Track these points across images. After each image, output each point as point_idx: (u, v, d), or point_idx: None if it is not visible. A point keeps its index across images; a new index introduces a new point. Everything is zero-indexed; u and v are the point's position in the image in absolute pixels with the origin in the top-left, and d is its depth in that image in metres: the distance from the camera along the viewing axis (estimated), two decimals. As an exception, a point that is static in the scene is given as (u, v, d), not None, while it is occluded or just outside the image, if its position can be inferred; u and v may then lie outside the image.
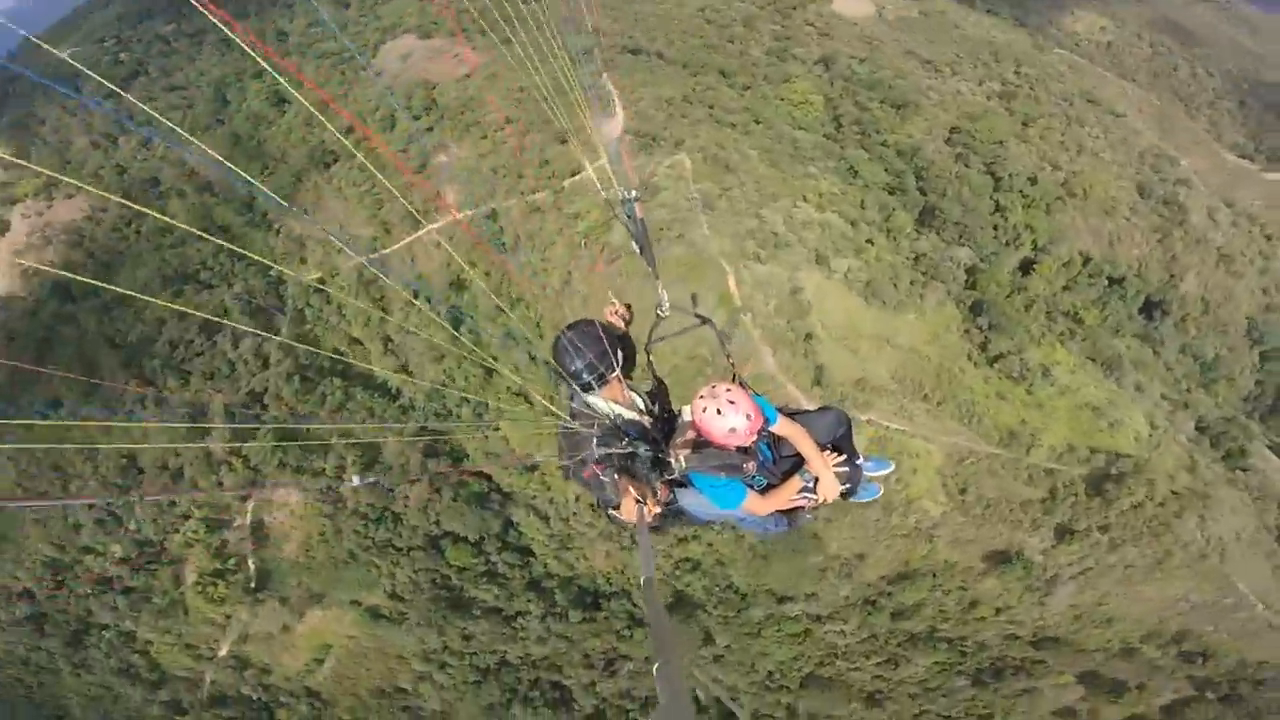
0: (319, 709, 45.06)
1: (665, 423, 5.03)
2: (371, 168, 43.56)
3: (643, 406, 5.00)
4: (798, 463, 5.07)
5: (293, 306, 53.12)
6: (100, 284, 33.56)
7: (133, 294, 48.02)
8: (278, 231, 55.29)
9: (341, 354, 51.86)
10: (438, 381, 48.84)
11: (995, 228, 54.24)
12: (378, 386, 50.70)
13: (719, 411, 4.34)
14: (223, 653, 45.28)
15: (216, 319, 51.21)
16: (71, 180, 55.48)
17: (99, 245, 53.63)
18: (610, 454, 4.40)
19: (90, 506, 46.13)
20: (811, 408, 5.48)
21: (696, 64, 58.99)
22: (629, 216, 5.33)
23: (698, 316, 6.08)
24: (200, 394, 49.21)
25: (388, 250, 53.39)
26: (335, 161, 53.46)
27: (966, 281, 50.33)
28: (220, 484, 47.45)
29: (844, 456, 5.11)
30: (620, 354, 4.54)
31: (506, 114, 52.28)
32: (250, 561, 45.94)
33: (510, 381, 45.44)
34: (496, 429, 45.25)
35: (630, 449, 4.43)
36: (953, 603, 42.54)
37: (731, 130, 54.08)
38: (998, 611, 42.17)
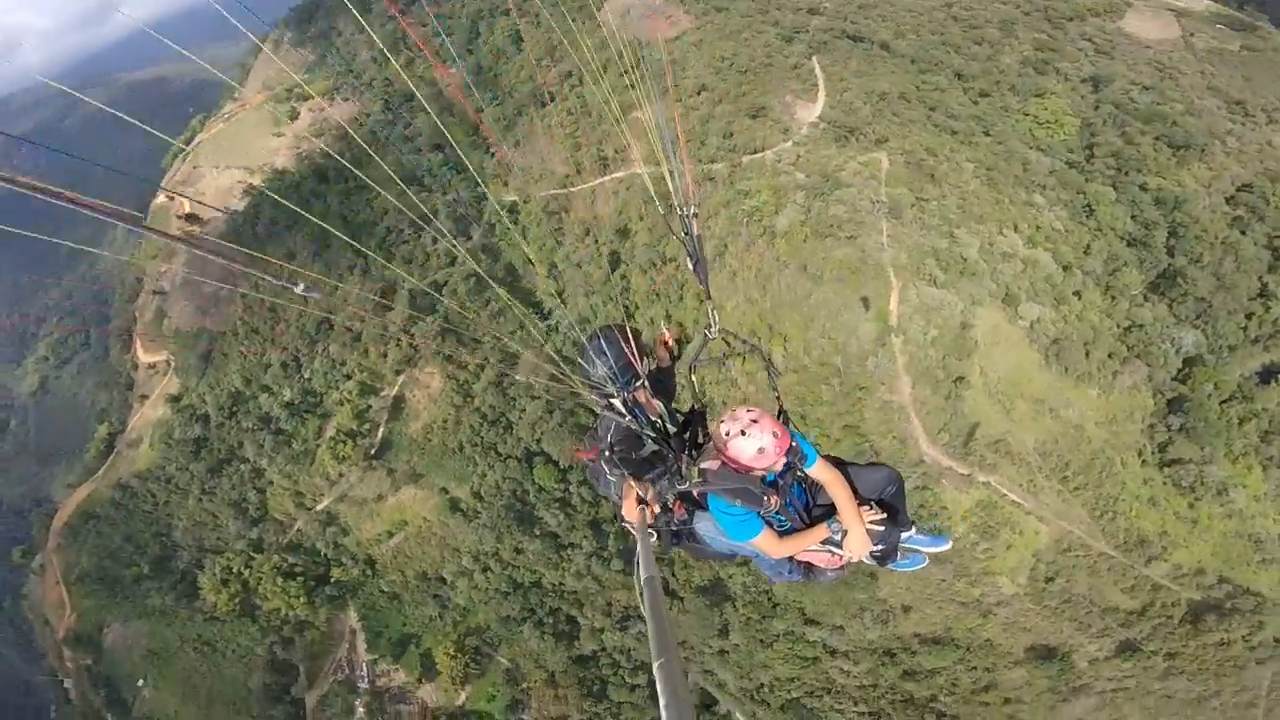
0: (368, 576, 51.04)
1: (692, 443, 4.85)
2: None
3: (668, 417, 4.92)
4: (830, 513, 4.71)
5: (486, 221, 59.92)
6: (352, 171, 40.48)
7: (371, 184, 57.60)
8: (492, 155, 61.90)
9: (513, 269, 57.67)
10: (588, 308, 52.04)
11: (1249, 316, 43.13)
12: (534, 304, 55.36)
13: (743, 433, 4.19)
14: (319, 507, 52.84)
15: (423, 220, 59.01)
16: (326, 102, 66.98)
17: (355, 143, 64.38)
18: (623, 445, 4.39)
19: (281, 364, 55.80)
20: (862, 464, 5.09)
21: (928, 61, 54.04)
22: (685, 233, 5.13)
23: (746, 343, 5.99)
24: (395, 275, 57.39)
25: (573, 189, 57.41)
26: (550, 102, 58.04)
27: (1179, 373, 41.22)
28: (385, 355, 55.29)
29: (883, 515, 4.75)
30: (643, 364, 4.49)
31: (704, 82, 52.75)
32: (380, 430, 52.93)
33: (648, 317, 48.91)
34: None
35: (643, 449, 4.41)
36: (968, 681, 40.95)
37: (950, 138, 49.07)
38: (1005, 702, 40.37)
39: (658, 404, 4.71)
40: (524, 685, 47.42)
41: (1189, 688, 37.65)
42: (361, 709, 47.56)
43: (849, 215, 44.98)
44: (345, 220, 60.73)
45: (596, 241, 55.35)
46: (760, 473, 4.31)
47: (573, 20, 59.40)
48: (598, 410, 4.67)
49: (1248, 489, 38.88)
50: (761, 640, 44.22)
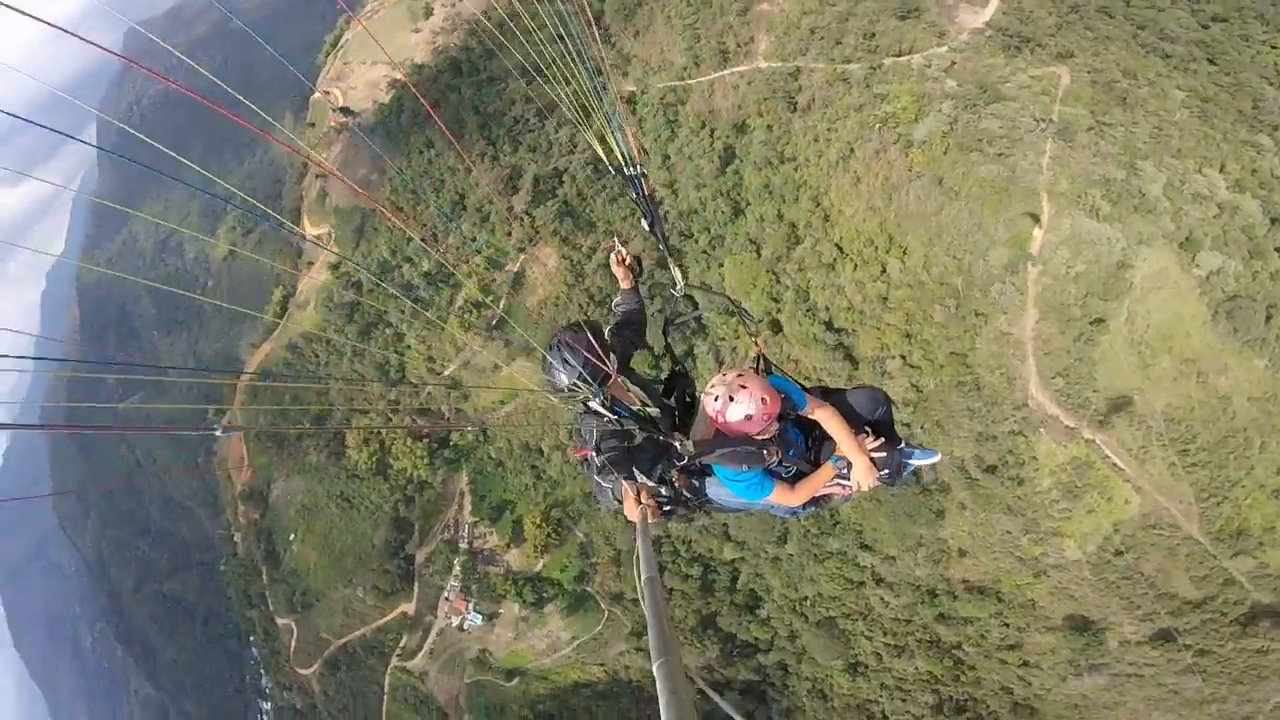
0: (479, 442, 56.08)
1: (685, 410, 4.80)
2: None
3: (648, 400, 4.75)
4: (833, 446, 4.75)
5: (605, 111, 59.20)
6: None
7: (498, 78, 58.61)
8: (613, 45, 59.74)
9: (631, 160, 57.34)
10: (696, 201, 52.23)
11: None
12: (643, 191, 55.57)
13: (731, 399, 4.12)
14: (447, 372, 57.99)
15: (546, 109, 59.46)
16: None
17: (487, 35, 64.56)
18: (611, 444, 4.33)
19: (422, 239, 60.43)
20: (848, 388, 5.06)
21: None
22: (637, 195, 5.00)
23: (714, 293, 6.14)
24: (522, 160, 58.96)
25: (690, 82, 54.50)
26: (669, -13, 54.33)
27: (1377, 357, 33.96)
28: (509, 234, 58.19)
29: (881, 441, 4.71)
30: (613, 357, 4.30)
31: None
32: (501, 302, 56.64)
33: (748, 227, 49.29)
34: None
35: (630, 442, 4.34)
36: (997, 636, 41.14)
37: (1160, 61, 40.71)
38: (1023, 664, 40.46)
39: (636, 392, 4.62)
40: (593, 560, 52.04)
41: (1199, 689, 36.38)
42: (458, 567, 54.38)
43: (1004, 131, 40.21)
44: (477, 110, 62.57)
45: (712, 134, 53.18)
46: (755, 434, 4.27)
47: None
48: (576, 414, 4.62)
49: None
50: (815, 555, 45.30)
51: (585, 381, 4.15)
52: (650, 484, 4.35)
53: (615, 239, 4.95)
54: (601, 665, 51.84)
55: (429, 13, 69.18)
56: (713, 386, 4.19)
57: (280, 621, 62.52)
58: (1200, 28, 42.28)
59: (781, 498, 4.51)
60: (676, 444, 4.35)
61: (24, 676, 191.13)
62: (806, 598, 45.83)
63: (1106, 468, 36.86)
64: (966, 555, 41.19)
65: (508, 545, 54.41)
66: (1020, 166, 39.01)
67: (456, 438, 57.93)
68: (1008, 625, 40.57)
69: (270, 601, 63.00)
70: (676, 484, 4.54)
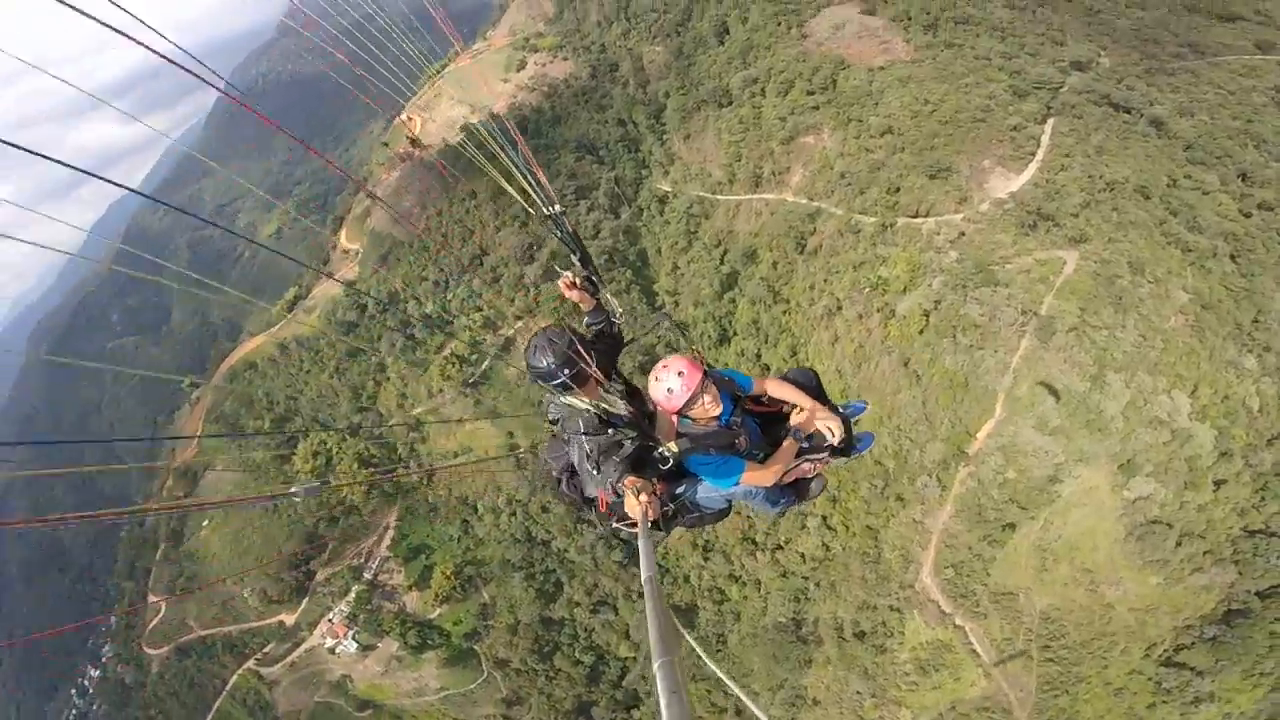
0: (419, 484, 56.48)
1: (648, 418, 4.89)
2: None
3: (622, 405, 4.74)
4: (787, 429, 5.03)
5: (638, 204, 61.32)
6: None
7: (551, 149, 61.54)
8: (663, 142, 62.42)
9: (644, 256, 59.04)
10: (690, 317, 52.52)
11: None
12: (650, 292, 56.65)
13: (656, 378, 4.38)
14: (414, 412, 58.47)
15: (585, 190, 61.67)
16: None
17: (560, 102, 68.17)
18: (607, 455, 4.35)
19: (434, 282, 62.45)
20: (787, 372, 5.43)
21: (1210, 151, 41.93)
22: (561, 232, 5.15)
23: (654, 309, 6.38)
24: (546, 233, 60.53)
25: (720, 197, 56.18)
26: (729, 105, 56.56)
27: (1269, 588, 33.00)
28: (513, 300, 59.19)
29: (831, 406, 5.07)
30: (593, 354, 4.39)
31: (893, 123, 47.26)
32: (486, 363, 57.39)
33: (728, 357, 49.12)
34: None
35: (619, 437, 4.40)
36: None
37: (1180, 255, 37.76)
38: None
39: (609, 397, 4.56)
40: (489, 622, 51.52)
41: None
42: (354, 594, 53.52)
43: (983, 320, 39.05)
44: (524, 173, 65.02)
45: (723, 256, 54.15)
46: (710, 415, 4.46)
47: (778, 23, 56.64)
48: (551, 405, 4.58)
49: (1231, 706, 33.54)
50: (694, 675, 43.19)
51: (570, 365, 4.12)
52: (650, 483, 4.28)
53: (566, 272, 4.97)
54: (462, 721, 50.41)
55: (522, 66, 72.39)
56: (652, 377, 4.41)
57: (152, 599, 61.71)
58: (1241, 216, 39.30)
59: (755, 476, 4.57)
60: (660, 445, 4.37)
61: None
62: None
63: (965, 652, 38.06)
64: (818, 705, 43.24)
65: (410, 587, 53.62)
66: (985, 364, 38.14)
67: (402, 475, 57.82)
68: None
69: (152, 578, 62.38)
70: (657, 490, 4.43)
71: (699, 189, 58.14)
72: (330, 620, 53.41)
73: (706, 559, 47.73)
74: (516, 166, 5.36)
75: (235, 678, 55.41)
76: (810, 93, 51.70)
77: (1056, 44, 51.04)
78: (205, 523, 60.15)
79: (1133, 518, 34.06)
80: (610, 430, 4.37)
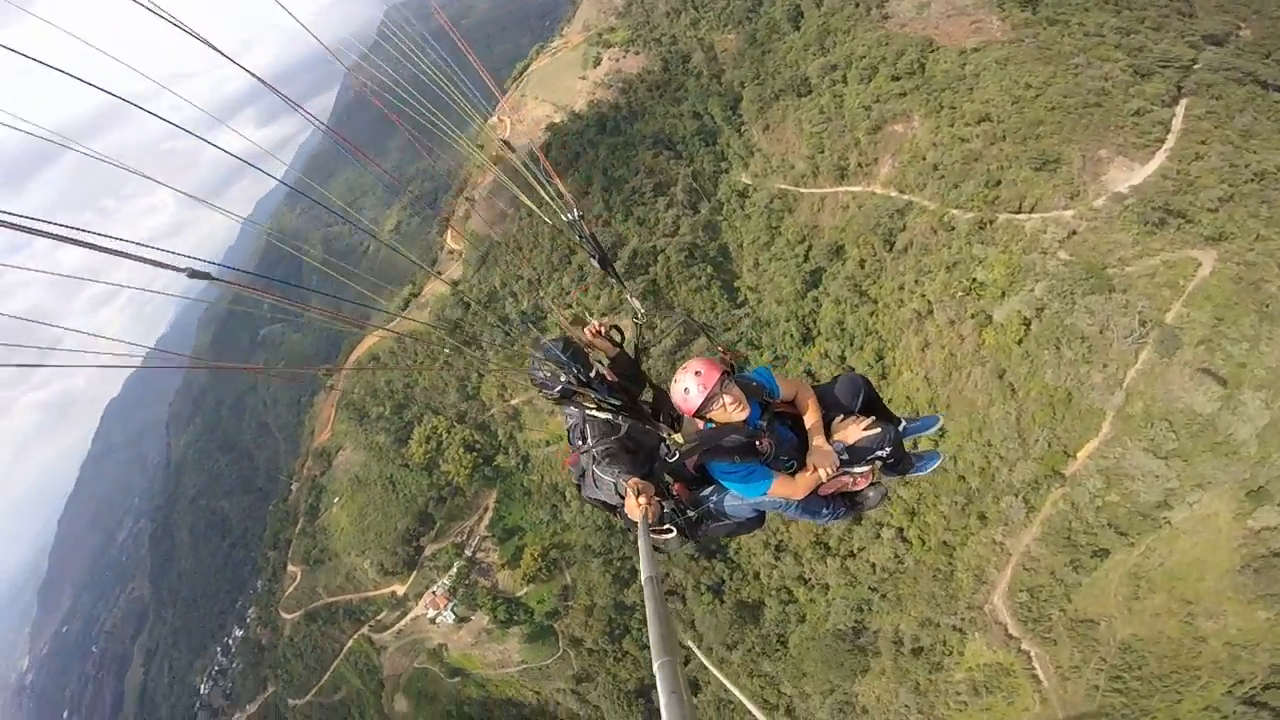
0: (518, 470, 60.80)
1: (674, 421, 4.78)
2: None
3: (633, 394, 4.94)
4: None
5: (717, 198, 60.82)
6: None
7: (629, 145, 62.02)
8: (741, 134, 61.16)
9: (726, 251, 59.03)
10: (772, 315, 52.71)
11: None
12: (731, 288, 56.73)
13: (675, 380, 4.28)
14: (513, 401, 62.79)
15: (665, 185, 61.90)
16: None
17: (636, 97, 68.29)
18: (604, 437, 4.46)
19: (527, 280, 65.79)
20: (825, 383, 5.15)
21: None
22: (580, 236, 5.17)
23: (675, 311, 6.59)
24: (628, 230, 61.34)
25: (804, 190, 54.58)
26: (809, 94, 54.38)
27: None
28: (598, 297, 61.01)
29: (873, 419, 4.71)
30: (585, 361, 4.53)
31: (990, 110, 43.70)
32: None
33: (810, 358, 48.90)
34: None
35: (621, 431, 4.50)
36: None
37: None
38: None
39: (618, 381, 4.73)
40: (569, 603, 55.14)
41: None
42: (455, 569, 59.02)
43: (1093, 331, 35.98)
44: (605, 173, 66.12)
45: (808, 252, 52.88)
46: (733, 420, 4.29)
47: (856, 4, 53.31)
48: (565, 414, 4.74)
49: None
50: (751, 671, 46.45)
51: (567, 363, 4.29)
52: (651, 483, 4.19)
53: (591, 319, 5.19)
54: (537, 693, 55.03)
55: (598, 62, 73.06)
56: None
57: (291, 568, 70.16)
58: None
59: (783, 488, 4.38)
60: (665, 439, 4.40)
61: (46, 549, 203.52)
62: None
63: (1025, 676, 37.27)
64: (866, 714, 43.52)
65: (503, 565, 58.17)
66: (1090, 382, 35.37)
67: (501, 459, 62.35)
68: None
69: (291, 548, 71.07)
70: (674, 493, 4.51)
71: (781, 182, 56.73)
72: (434, 592, 59.18)
73: (778, 558, 48.28)
74: (536, 177, 5.21)
75: (351, 642, 62.60)
76: (896, 78, 48.91)
77: (1184, 16, 45.16)
78: (336, 500, 68.28)
79: (1253, 549, 31.31)
80: (619, 433, 4.38)
